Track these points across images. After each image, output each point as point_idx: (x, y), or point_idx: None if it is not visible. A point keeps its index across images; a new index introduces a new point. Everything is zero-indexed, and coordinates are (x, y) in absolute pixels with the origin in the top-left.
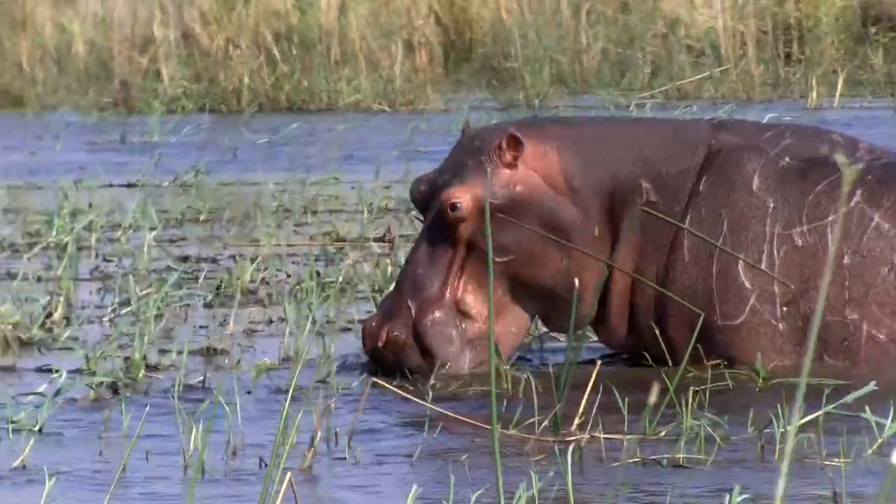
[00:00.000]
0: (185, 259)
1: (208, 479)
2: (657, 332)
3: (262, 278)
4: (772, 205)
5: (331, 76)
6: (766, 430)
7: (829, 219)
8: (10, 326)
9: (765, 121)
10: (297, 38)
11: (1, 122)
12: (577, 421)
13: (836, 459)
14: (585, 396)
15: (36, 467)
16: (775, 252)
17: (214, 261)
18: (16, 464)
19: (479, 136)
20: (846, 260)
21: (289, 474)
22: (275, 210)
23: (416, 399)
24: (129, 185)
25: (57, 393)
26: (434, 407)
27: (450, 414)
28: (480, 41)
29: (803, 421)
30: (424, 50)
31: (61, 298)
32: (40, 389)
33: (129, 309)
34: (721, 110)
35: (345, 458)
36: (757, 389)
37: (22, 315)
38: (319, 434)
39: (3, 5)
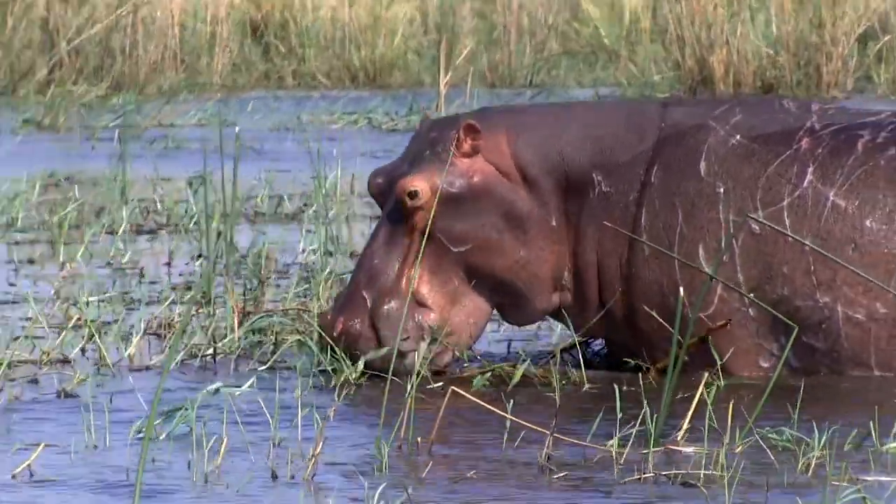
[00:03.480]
0: None
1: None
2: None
3: None
4: (722, 189)
5: None
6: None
7: (784, 203)
8: None
9: None
10: None
11: None
12: (682, 432)
13: None
14: (692, 408)
15: None
16: (733, 240)
17: None
18: None
19: (436, 127)
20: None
21: None
22: None
23: (495, 409)
24: None
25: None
26: (514, 419)
27: (535, 428)
28: None
29: None
30: None
31: None
32: None
33: None
34: None
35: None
36: None
37: None
38: (321, 445)
39: None
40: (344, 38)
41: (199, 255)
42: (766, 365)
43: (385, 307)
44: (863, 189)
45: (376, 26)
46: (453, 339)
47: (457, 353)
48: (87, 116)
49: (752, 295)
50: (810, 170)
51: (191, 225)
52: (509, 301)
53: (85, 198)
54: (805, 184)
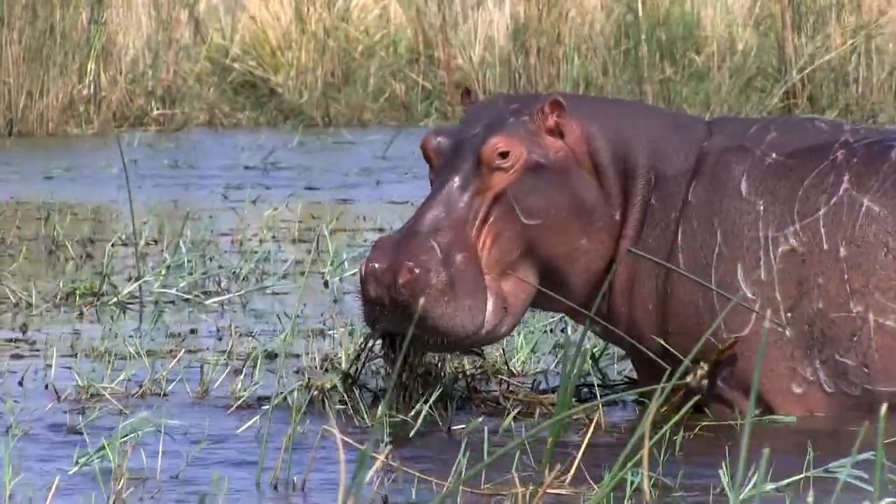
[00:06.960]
0: None
1: None
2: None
3: None
4: (762, 207)
5: None
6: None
7: (821, 212)
8: None
9: None
10: None
11: None
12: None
13: None
14: (583, 445)
15: None
16: (772, 257)
17: None
18: None
19: (517, 100)
20: (842, 252)
21: None
22: None
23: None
24: None
25: None
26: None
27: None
28: None
29: None
30: None
31: None
32: None
33: None
34: None
35: None
36: None
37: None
38: (122, 482)
39: None
40: None
41: None
42: (799, 391)
43: (457, 262)
44: None
45: None
46: (508, 309)
47: (508, 326)
48: None
49: (789, 314)
50: (846, 178)
51: None
52: (549, 286)
53: None
54: (840, 192)
